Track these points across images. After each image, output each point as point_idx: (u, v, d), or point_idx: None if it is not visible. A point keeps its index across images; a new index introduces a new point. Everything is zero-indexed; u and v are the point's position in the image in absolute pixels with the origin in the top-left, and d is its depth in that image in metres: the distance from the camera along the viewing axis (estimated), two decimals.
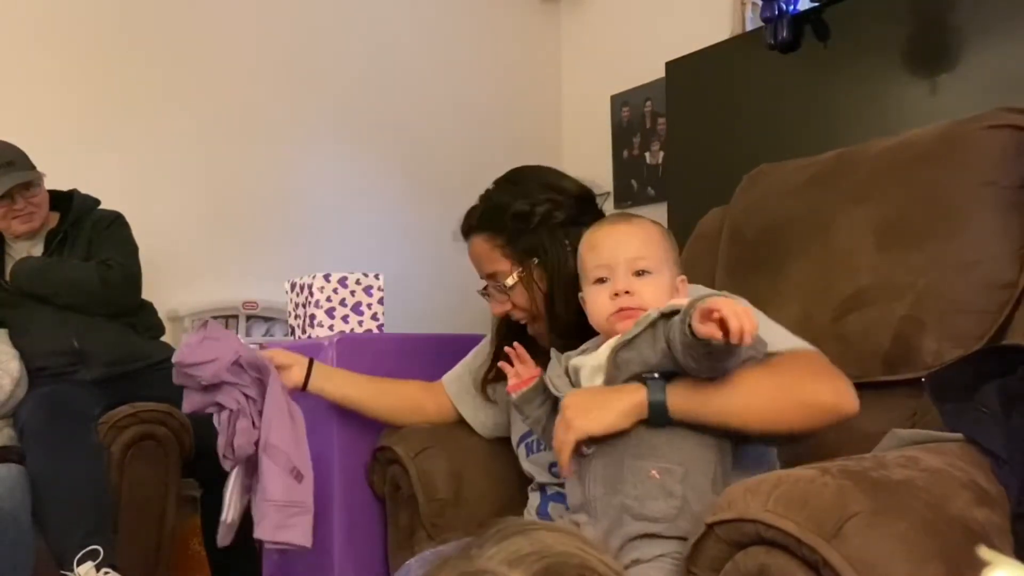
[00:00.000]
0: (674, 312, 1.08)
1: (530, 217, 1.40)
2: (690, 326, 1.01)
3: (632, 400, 1.10)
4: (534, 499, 1.48)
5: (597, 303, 1.19)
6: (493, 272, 1.44)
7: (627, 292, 1.15)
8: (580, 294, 1.26)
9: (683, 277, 1.22)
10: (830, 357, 1.38)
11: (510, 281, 1.41)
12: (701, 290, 1.31)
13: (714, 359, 1.04)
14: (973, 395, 1.09)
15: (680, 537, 1.07)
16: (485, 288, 1.49)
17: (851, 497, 0.89)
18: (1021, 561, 0.47)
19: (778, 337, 1.19)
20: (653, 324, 1.10)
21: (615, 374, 1.13)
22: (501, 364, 1.34)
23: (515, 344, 1.32)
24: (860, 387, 1.43)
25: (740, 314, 0.97)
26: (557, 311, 1.38)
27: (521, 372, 1.30)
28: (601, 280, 1.19)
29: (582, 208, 1.43)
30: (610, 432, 1.10)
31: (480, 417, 1.70)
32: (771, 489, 0.92)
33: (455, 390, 1.71)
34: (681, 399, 1.09)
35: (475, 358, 1.70)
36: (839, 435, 1.20)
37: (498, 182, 1.49)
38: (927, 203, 1.44)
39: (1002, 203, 1.37)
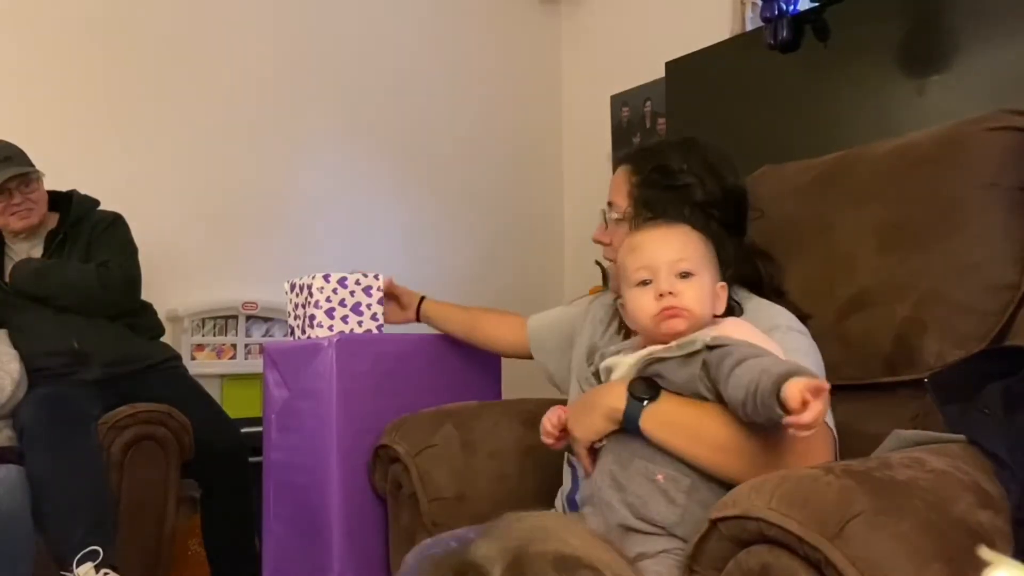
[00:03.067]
0: (719, 346, 1.09)
1: (670, 176, 1.39)
2: (779, 392, 0.99)
3: (614, 404, 1.14)
4: (566, 483, 1.49)
5: (641, 305, 1.18)
6: (612, 201, 1.45)
7: (671, 293, 1.16)
8: (619, 299, 1.26)
9: (722, 284, 1.22)
10: (832, 359, 1.37)
11: (615, 215, 1.43)
12: (754, 302, 1.33)
13: (772, 419, 1.03)
14: (975, 396, 1.08)
15: (681, 536, 1.08)
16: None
17: (854, 497, 0.89)
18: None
19: None
20: (694, 354, 1.11)
21: None
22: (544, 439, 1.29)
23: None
24: (862, 388, 1.44)
25: (822, 413, 0.97)
26: None
27: (556, 423, 1.27)
28: (643, 283, 1.18)
29: (726, 202, 1.39)
30: (600, 437, 1.16)
31: (550, 369, 1.76)
32: (775, 487, 0.92)
33: (536, 342, 1.80)
34: (653, 427, 1.11)
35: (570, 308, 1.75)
36: (841, 437, 1.20)
37: (677, 137, 1.54)
38: (929, 204, 1.44)
39: (1004, 204, 1.37)
